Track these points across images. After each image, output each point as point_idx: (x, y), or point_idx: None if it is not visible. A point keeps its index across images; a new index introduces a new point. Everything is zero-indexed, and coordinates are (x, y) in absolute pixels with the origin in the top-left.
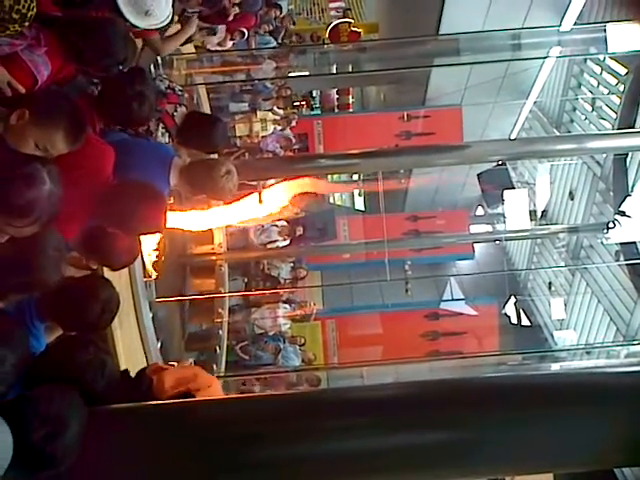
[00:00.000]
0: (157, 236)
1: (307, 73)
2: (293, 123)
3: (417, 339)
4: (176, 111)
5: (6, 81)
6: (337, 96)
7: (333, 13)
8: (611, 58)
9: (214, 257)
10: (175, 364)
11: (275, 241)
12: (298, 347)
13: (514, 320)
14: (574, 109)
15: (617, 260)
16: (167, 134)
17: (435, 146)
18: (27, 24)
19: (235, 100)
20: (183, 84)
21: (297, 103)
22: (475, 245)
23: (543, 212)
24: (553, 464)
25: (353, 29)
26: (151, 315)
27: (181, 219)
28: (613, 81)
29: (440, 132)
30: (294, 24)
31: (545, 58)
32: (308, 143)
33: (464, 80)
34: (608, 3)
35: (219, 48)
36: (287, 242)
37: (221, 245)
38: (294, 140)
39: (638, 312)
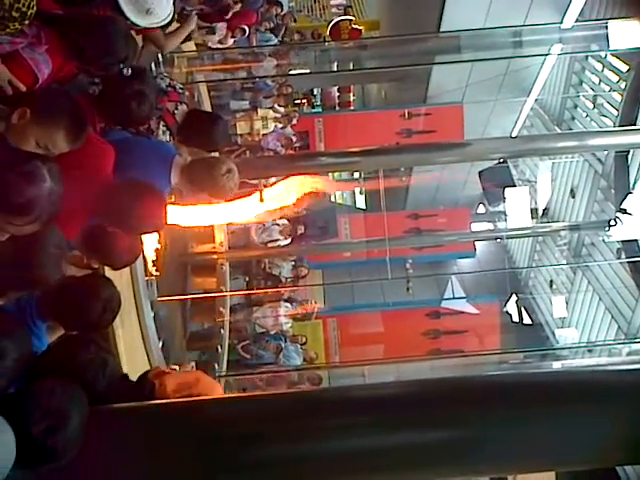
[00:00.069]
0: (158, 235)
1: (308, 71)
2: (294, 121)
3: (418, 337)
4: (177, 109)
5: (7, 79)
6: (338, 94)
7: (334, 10)
8: (612, 55)
9: (215, 256)
10: (177, 368)
11: (276, 240)
12: (299, 346)
13: (515, 318)
14: (575, 106)
15: (618, 258)
16: (168, 132)
17: (436, 144)
18: (27, 22)
19: (236, 98)
20: (184, 82)
21: (298, 101)
22: (476, 243)
23: (544, 210)
24: (555, 462)
25: (354, 26)
26: (152, 314)
27: (182, 218)
28: (614, 78)
29: (441, 130)
30: (295, 21)
31: (546, 55)
32: (309, 141)
33: (465, 78)
34: (609, 0)
35: (220, 46)
36: (288, 241)
37: (222, 244)
38: (295, 139)
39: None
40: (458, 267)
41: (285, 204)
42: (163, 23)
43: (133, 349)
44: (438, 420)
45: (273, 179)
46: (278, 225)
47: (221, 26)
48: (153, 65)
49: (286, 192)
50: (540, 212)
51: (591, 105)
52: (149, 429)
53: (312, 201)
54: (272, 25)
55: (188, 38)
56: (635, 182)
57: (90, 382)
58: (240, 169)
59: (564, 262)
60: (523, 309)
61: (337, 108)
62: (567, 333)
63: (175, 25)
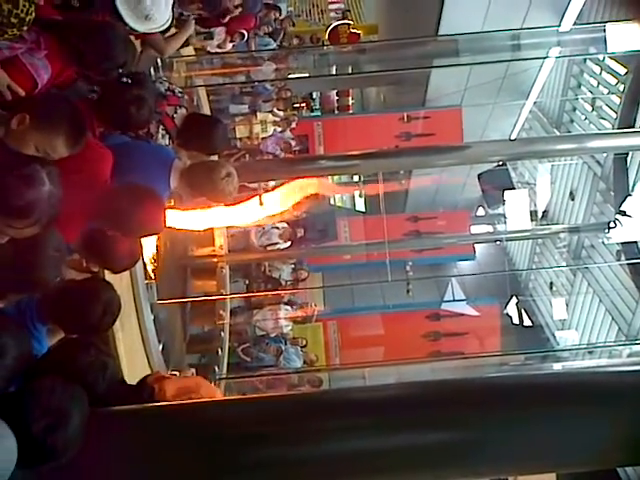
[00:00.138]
0: (158, 238)
1: (307, 75)
2: (293, 125)
3: (419, 340)
4: (176, 113)
5: (6, 84)
6: (337, 97)
7: (332, 14)
8: (611, 58)
9: (215, 259)
10: (177, 374)
11: (276, 243)
12: (300, 348)
13: (516, 320)
14: (574, 109)
15: (618, 260)
16: (167, 136)
17: (435, 147)
18: (25, 28)
19: (235, 102)
20: (183, 86)
21: (297, 105)
22: (476, 246)
23: (544, 212)
24: (556, 464)
25: (352, 30)
26: (152, 317)
27: (182, 221)
28: (613, 81)
29: (440, 133)
30: (294, 26)
31: (545, 58)
32: (308, 145)
33: (464, 81)
34: (607, 3)
35: (219, 50)
36: (288, 244)
37: (222, 247)
38: (294, 143)
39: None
40: (458, 269)
41: (285, 207)
42: (162, 28)
43: (133, 352)
44: (439, 422)
45: (272, 183)
46: (278, 229)
47: (220, 30)
48: (152, 69)
49: (286, 195)
50: (540, 214)
51: (590, 108)
52: (149, 431)
53: (312, 204)
54: (271, 29)
55: (186, 43)
56: (634, 184)
57: (90, 385)
58: (239, 173)
59: (564, 264)
60: (523, 311)
61: (336, 112)
62: (567, 335)
63: (173, 30)
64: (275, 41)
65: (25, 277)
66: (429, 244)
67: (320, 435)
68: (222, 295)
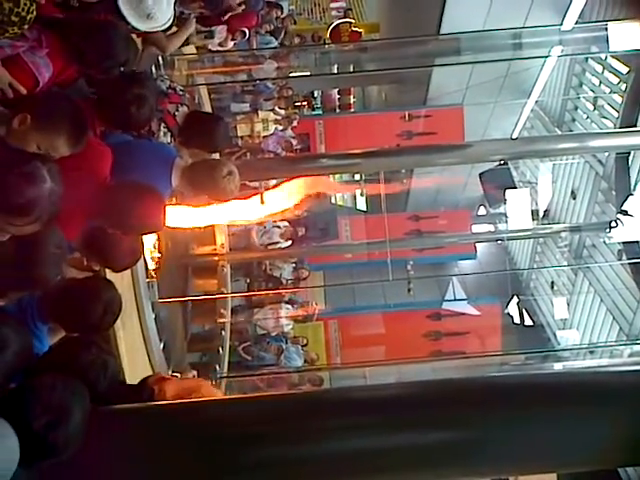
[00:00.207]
0: (159, 237)
1: (308, 73)
2: (294, 123)
3: (419, 339)
4: (177, 111)
5: (7, 82)
6: (338, 96)
7: (334, 13)
8: (613, 57)
9: (216, 258)
10: (179, 375)
11: (277, 243)
12: (300, 347)
13: (517, 320)
14: (576, 108)
15: (620, 259)
16: (169, 134)
17: (437, 146)
18: (27, 27)
19: (236, 100)
20: (184, 85)
21: (298, 103)
22: (477, 245)
23: (545, 211)
24: (557, 464)
25: (354, 29)
26: (154, 316)
27: (183, 220)
28: (615, 80)
29: (441, 132)
30: (295, 24)
31: (546, 57)
32: (309, 143)
33: (465, 80)
34: (609, 2)
35: (220, 48)
36: (289, 243)
37: (223, 246)
38: (295, 141)
39: None
40: (459, 269)
41: (286, 206)
42: (163, 27)
43: (134, 351)
44: (439, 421)
45: (274, 181)
46: (279, 227)
47: (221, 29)
48: (153, 68)
49: (287, 194)
50: (541, 214)
51: (591, 107)
52: (150, 430)
53: (313, 203)
54: (272, 28)
55: (186, 42)
56: (636, 183)
57: (91, 383)
58: (241, 171)
59: (565, 264)
60: (524, 310)
61: (337, 110)
62: (568, 334)
63: (174, 29)
64: (276, 39)
65: (26, 274)
66: (430, 243)
67: (321, 434)
68: (223, 294)
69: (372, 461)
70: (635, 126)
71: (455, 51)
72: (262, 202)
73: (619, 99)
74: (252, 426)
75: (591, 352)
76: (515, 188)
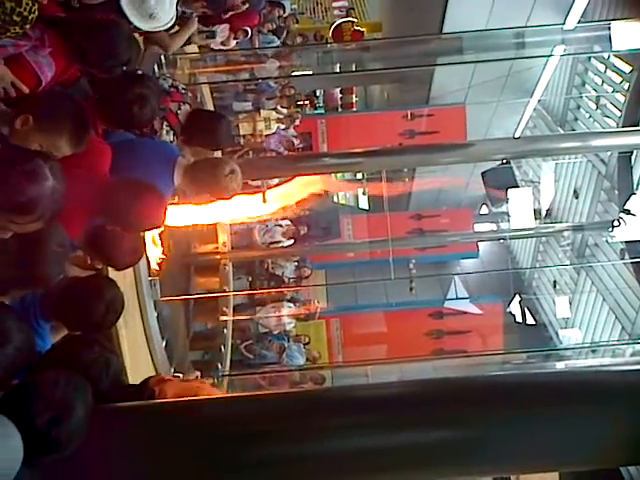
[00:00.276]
0: (161, 235)
1: (310, 72)
2: (297, 122)
3: (421, 338)
4: (180, 109)
5: (9, 81)
6: (341, 95)
7: (336, 12)
8: (615, 56)
9: (218, 256)
10: (181, 375)
11: (279, 242)
12: (302, 346)
13: (519, 319)
14: (578, 107)
15: (622, 258)
16: (172, 132)
17: (439, 145)
18: (28, 26)
19: (239, 99)
20: (187, 83)
21: (301, 102)
22: (479, 244)
23: (548, 210)
24: (558, 463)
25: (356, 28)
26: (156, 314)
27: (185, 218)
28: (617, 79)
29: (444, 131)
30: (297, 23)
31: (549, 56)
32: (312, 142)
33: (468, 79)
34: (612, 1)
35: (222, 47)
36: (291, 242)
37: (225, 244)
38: (297, 140)
39: None
40: (461, 267)
41: (288, 205)
42: (166, 27)
43: (136, 349)
44: (441, 420)
45: (276, 180)
46: (281, 226)
47: (223, 28)
48: (156, 66)
49: (289, 193)
50: (543, 213)
51: (594, 106)
52: (152, 428)
53: (315, 202)
54: (274, 27)
55: (188, 42)
56: (638, 183)
57: (93, 382)
58: (243, 170)
59: (568, 263)
60: (526, 309)
61: (340, 109)
62: (570, 333)
63: (176, 28)
64: (279, 38)
65: (28, 272)
66: (432, 242)
67: (322, 433)
68: (225, 292)
69: (374, 460)
70: (638, 125)
71: (457, 50)
72: (264, 201)
73: (622, 98)
74: (254, 424)
75: (593, 351)
76: (517, 187)
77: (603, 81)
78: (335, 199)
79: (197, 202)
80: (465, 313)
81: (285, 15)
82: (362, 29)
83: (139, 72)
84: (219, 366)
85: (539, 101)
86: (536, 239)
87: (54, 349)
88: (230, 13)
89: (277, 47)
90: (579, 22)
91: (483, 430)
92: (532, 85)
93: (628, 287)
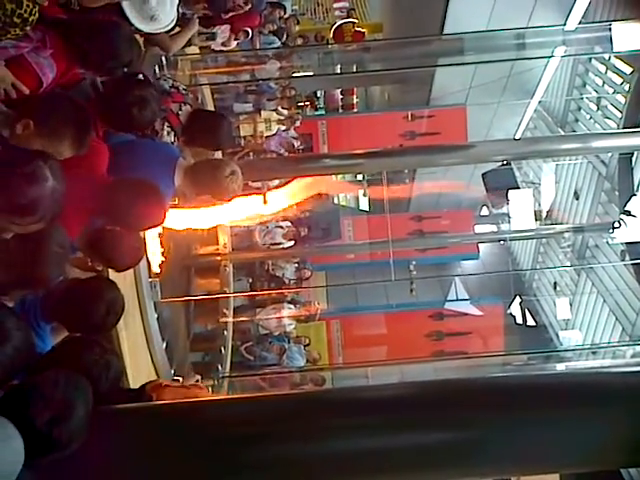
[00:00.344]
0: (162, 237)
1: (311, 73)
2: (297, 123)
3: (422, 339)
4: (181, 110)
5: (10, 83)
6: (341, 96)
7: (337, 13)
8: (616, 57)
9: (219, 257)
10: (181, 379)
11: (279, 243)
12: (303, 347)
13: (519, 320)
14: (579, 108)
15: (623, 260)
16: (172, 133)
17: (439, 146)
18: (28, 28)
19: (239, 100)
20: (187, 84)
21: (301, 103)
22: (480, 245)
23: (548, 212)
24: (559, 464)
25: (357, 29)
26: (156, 315)
27: (186, 220)
28: (618, 80)
29: (444, 132)
30: (298, 24)
31: (550, 57)
32: (312, 143)
33: (468, 80)
34: (613, 2)
35: (223, 48)
36: (291, 243)
37: (226, 246)
38: (298, 141)
39: None
40: (462, 269)
41: (288, 206)
42: (167, 29)
43: (137, 350)
44: (441, 422)
45: (276, 181)
46: (281, 227)
47: (224, 29)
48: (157, 68)
49: (289, 194)
50: (544, 214)
51: (595, 107)
52: (151, 429)
53: (315, 203)
54: (275, 28)
55: (188, 43)
56: (639, 184)
57: (93, 383)
58: (244, 171)
59: (568, 264)
60: (527, 311)
61: (340, 110)
62: (571, 335)
63: (177, 29)
64: (279, 39)
65: (29, 273)
66: (433, 243)
67: (323, 434)
68: (225, 294)
69: (374, 461)
70: (638, 126)
71: (458, 51)
72: (265, 202)
73: (622, 99)
74: (254, 426)
75: (593, 353)
76: (518, 188)
77: (604, 82)
78: (335, 200)
79: (197, 203)
80: (465, 314)
81: (286, 16)
82: (363, 30)
83: (139, 74)
84: (219, 367)
85: (540, 102)
86: (536, 240)
87: (54, 350)
88: (231, 14)
89: (278, 48)
90: (580, 23)
91: (484, 431)
92: (533, 86)
93: (628, 288)
